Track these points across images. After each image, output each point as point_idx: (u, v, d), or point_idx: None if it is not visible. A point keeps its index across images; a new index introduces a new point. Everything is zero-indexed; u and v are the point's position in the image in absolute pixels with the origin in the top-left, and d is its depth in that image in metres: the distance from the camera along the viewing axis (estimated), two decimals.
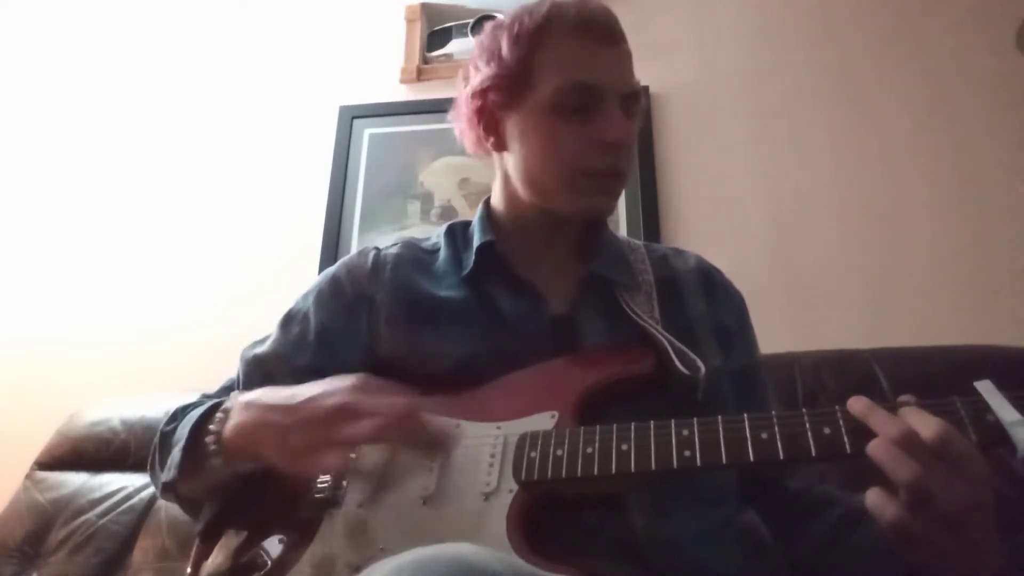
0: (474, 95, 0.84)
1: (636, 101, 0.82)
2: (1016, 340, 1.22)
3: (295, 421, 0.65)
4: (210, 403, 0.77)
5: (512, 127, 0.83)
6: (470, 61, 0.88)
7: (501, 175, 0.89)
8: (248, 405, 0.71)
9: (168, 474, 0.75)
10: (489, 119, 0.84)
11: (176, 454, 0.74)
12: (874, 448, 0.53)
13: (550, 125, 0.79)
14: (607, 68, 0.79)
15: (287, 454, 0.66)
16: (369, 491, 0.68)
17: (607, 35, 0.80)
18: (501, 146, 0.86)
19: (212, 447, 0.71)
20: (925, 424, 0.53)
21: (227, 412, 0.72)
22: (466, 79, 0.88)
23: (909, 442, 0.52)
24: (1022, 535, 0.94)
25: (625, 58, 0.82)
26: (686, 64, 1.87)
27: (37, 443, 1.48)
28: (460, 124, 0.89)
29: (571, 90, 0.77)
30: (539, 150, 0.80)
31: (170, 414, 0.82)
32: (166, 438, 0.79)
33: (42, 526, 1.33)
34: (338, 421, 0.63)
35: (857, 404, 0.57)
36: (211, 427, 0.72)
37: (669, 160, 1.78)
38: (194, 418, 0.76)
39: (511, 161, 0.85)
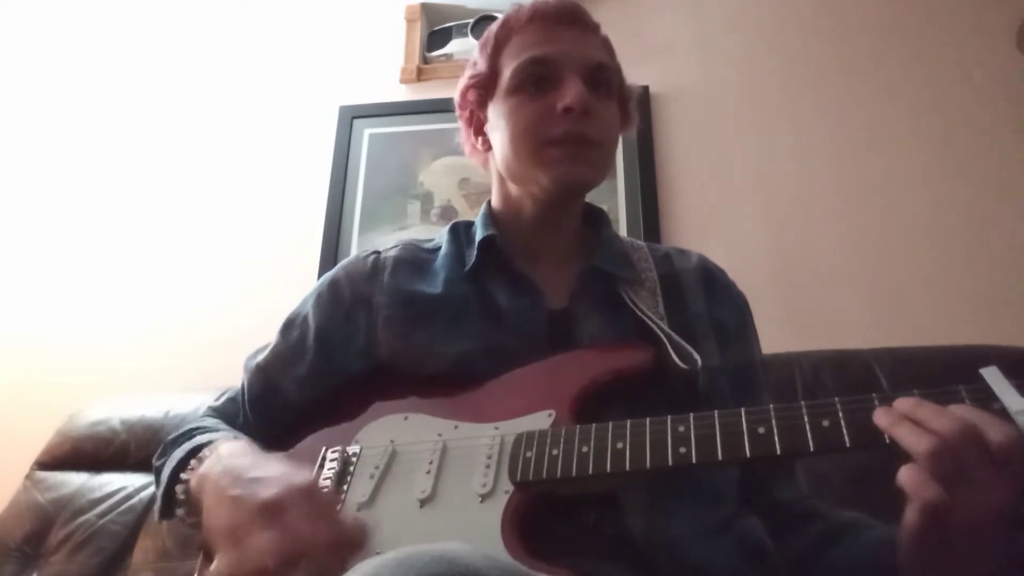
0: (460, 103, 0.92)
1: (601, 74, 0.83)
2: (1016, 340, 1.22)
3: (227, 497, 0.60)
4: (191, 445, 0.76)
5: (490, 124, 0.88)
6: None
7: (496, 176, 0.91)
8: (218, 460, 0.68)
9: (156, 514, 0.77)
10: (476, 122, 0.90)
11: (158, 499, 0.76)
12: (892, 427, 0.52)
13: (513, 105, 0.83)
14: (561, 43, 0.82)
15: (208, 529, 0.62)
16: (368, 494, 0.68)
17: (562, 18, 0.84)
18: (487, 145, 0.89)
19: (180, 497, 0.71)
20: (993, 426, 0.50)
21: (201, 461, 0.70)
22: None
23: (965, 436, 0.50)
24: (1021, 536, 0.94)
25: (586, 38, 0.85)
26: (686, 64, 1.87)
27: (37, 443, 1.48)
28: (461, 136, 0.95)
29: (525, 65, 0.82)
30: (507, 132, 0.83)
31: (160, 448, 0.82)
32: (158, 473, 0.80)
33: (42, 526, 1.33)
34: (254, 516, 0.56)
35: (905, 403, 0.54)
36: (183, 475, 0.72)
37: (669, 160, 1.78)
38: (174, 463, 0.75)
39: (495, 157, 0.87)
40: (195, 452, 0.74)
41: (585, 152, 0.81)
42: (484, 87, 0.87)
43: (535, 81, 0.81)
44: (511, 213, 0.89)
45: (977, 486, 0.49)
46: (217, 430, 0.81)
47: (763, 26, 1.87)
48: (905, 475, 0.52)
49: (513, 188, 0.87)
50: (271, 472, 0.61)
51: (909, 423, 0.52)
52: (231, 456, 0.68)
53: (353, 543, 0.56)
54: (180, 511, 0.72)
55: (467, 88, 0.89)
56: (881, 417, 0.54)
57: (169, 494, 0.74)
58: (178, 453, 0.76)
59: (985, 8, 1.74)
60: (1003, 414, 0.51)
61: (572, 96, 0.78)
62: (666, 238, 1.67)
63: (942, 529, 0.52)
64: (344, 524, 0.57)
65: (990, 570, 0.53)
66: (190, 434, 0.80)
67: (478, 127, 0.90)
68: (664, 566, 0.64)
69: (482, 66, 0.87)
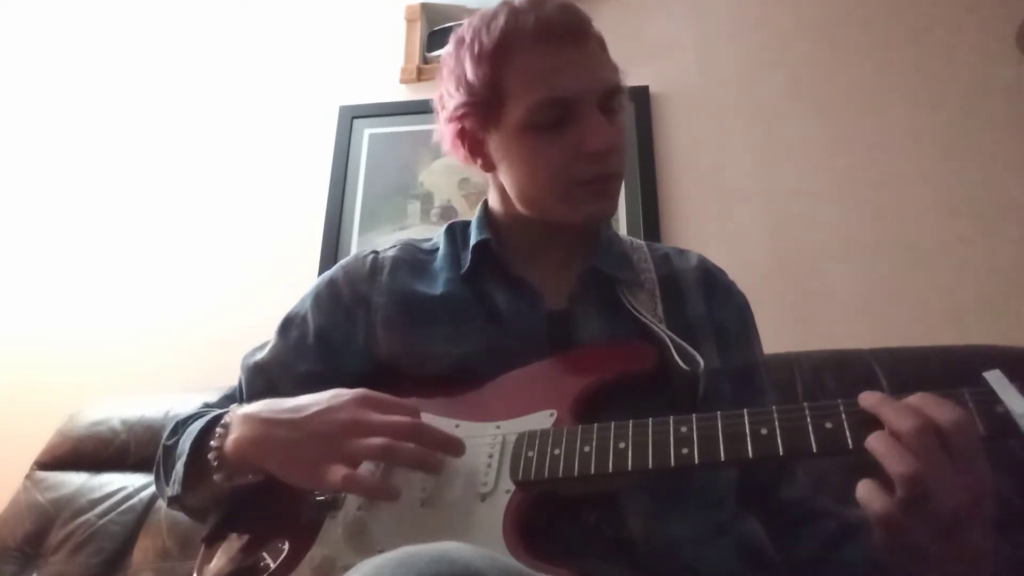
0: (451, 121, 0.83)
1: (615, 95, 0.79)
2: (1016, 340, 1.22)
3: (303, 436, 0.65)
4: (210, 416, 0.77)
5: (495, 148, 0.81)
6: (440, 83, 0.86)
7: (496, 188, 0.88)
8: (248, 419, 0.70)
9: (173, 489, 0.77)
10: (472, 142, 0.83)
11: (179, 469, 0.76)
12: (873, 439, 0.52)
13: (531, 143, 0.77)
14: (577, 74, 0.75)
15: (296, 468, 0.66)
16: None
17: (570, 37, 0.76)
18: (490, 166, 0.84)
19: (214, 463, 0.71)
20: (942, 410, 0.51)
21: (227, 427, 0.72)
22: (440, 101, 0.85)
23: (918, 434, 0.50)
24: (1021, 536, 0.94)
25: (594, 54, 0.78)
26: (686, 64, 1.87)
27: (37, 443, 1.48)
28: (446, 144, 0.87)
29: (545, 106, 0.75)
30: (526, 169, 0.79)
31: (170, 427, 0.82)
32: (169, 452, 0.80)
33: (42, 526, 1.33)
34: (347, 436, 0.63)
35: (869, 397, 0.55)
36: (212, 443, 0.72)
37: (669, 160, 1.78)
38: (195, 432, 0.76)
39: (503, 180, 0.84)
40: (214, 423, 0.74)
41: (611, 187, 0.80)
42: (484, 113, 0.79)
43: (555, 119, 0.75)
44: (512, 218, 0.87)
45: (940, 493, 0.49)
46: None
47: (763, 26, 1.87)
48: (859, 489, 0.53)
49: (523, 210, 0.84)
50: (320, 403, 0.67)
51: (896, 444, 0.51)
52: (263, 412, 0.70)
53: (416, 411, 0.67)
54: (217, 476, 0.71)
55: (463, 114, 0.80)
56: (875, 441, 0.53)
57: (190, 468, 0.74)
58: (195, 426, 0.77)
59: (985, 8, 1.74)
60: (1007, 418, 0.51)
61: (599, 139, 0.74)
62: (666, 238, 1.67)
63: (899, 537, 0.52)
64: (403, 402, 0.67)
65: (983, 565, 0.53)
66: (201, 415, 0.80)
67: (474, 146, 0.83)
68: (663, 567, 0.64)
69: (477, 84, 0.77)
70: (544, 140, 0.76)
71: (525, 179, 0.80)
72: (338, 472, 0.61)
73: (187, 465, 0.75)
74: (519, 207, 0.84)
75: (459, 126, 0.82)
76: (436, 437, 0.65)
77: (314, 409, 0.67)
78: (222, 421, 0.73)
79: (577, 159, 0.75)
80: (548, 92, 0.74)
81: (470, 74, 0.78)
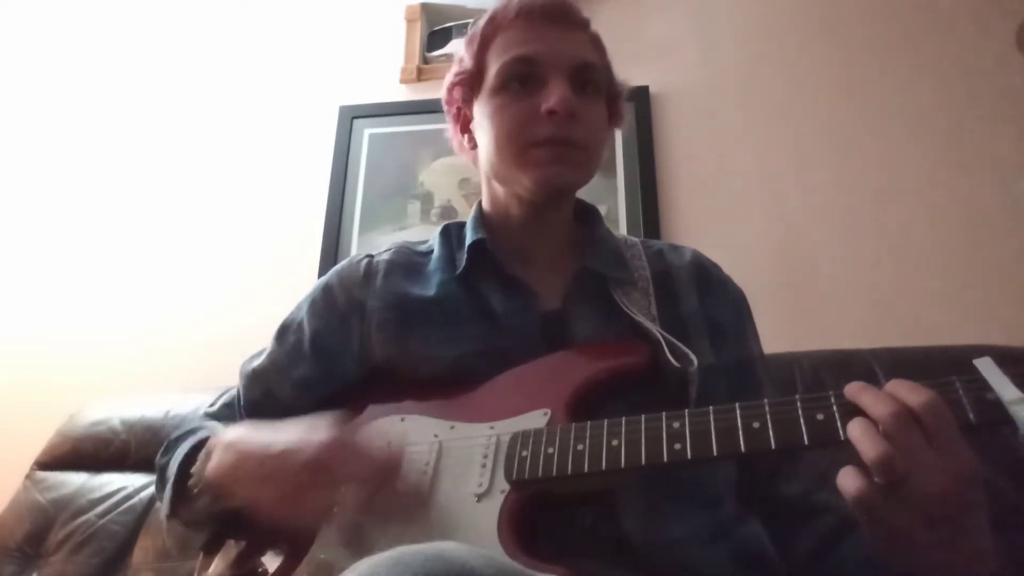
0: (447, 100, 0.91)
1: (587, 73, 0.82)
2: (1016, 340, 1.22)
3: (268, 471, 0.64)
4: (196, 439, 0.78)
5: (475, 122, 0.87)
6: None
7: (483, 176, 0.90)
8: (228, 447, 0.70)
9: (164, 510, 0.78)
10: (463, 120, 0.90)
11: (167, 492, 0.76)
12: (851, 426, 0.53)
13: (496, 104, 0.82)
14: (547, 42, 0.81)
15: (260, 503, 0.65)
16: (365, 496, 0.68)
17: (548, 14, 0.83)
18: (473, 143, 0.89)
19: (195, 489, 0.72)
20: (914, 394, 0.52)
21: (209, 452, 0.72)
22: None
23: (894, 419, 0.51)
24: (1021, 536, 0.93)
25: (573, 36, 0.84)
26: (686, 64, 1.87)
27: (37, 443, 1.48)
28: (449, 131, 0.94)
29: (510, 64, 0.81)
30: (491, 131, 0.82)
31: (164, 445, 0.83)
32: (162, 471, 0.80)
33: (42, 526, 1.33)
34: (306, 482, 0.62)
35: (852, 387, 0.56)
36: (192, 469, 0.73)
37: (669, 160, 1.78)
38: (181, 456, 0.77)
39: (480, 156, 0.87)
40: (199, 447, 0.75)
41: (569, 154, 0.80)
42: (470, 84, 0.86)
43: (520, 80, 0.80)
44: (500, 214, 0.88)
45: (918, 476, 0.50)
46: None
47: (763, 26, 1.87)
48: (839, 476, 0.54)
49: (499, 189, 0.87)
50: (292, 440, 0.65)
51: (871, 429, 0.52)
52: (242, 441, 0.70)
53: (395, 463, 0.65)
54: (202, 501, 0.72)
55: (453, 85, 0.88)
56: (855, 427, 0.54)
57: (179, 490, 0.75)
58: (183, 448, 0.77)
59: (985, 8, 1.73)
60: (998, 405, 0.51)
61: (556, 99, 0.77)
62: (666, 238, 1.67)
63: (881, 523, 0.52)
64: (381, 452, 0.65)
65: (979, 558, 0.53)
66: (193, 432, 0.81)
67: (464, 124, 0.90)
68: (661, 568, 0.64)
69: (468, 63, 0.86)
70: (509, 100, 0.81)
71: (491, 143, 0.82)
72: (300, 511, 0.63)
73: (174, 489, 0.76)
74: (493, 182, 0.87)
75: (454, 108, 0.90)
76: (398, 485, 0.66)
77: (283, 445, 0.65)
78: (205, 447, 0.74)
79: (535, 119, 0.78)
80: (516, 52, 0.81)
81: (463, 52, 0.88)
